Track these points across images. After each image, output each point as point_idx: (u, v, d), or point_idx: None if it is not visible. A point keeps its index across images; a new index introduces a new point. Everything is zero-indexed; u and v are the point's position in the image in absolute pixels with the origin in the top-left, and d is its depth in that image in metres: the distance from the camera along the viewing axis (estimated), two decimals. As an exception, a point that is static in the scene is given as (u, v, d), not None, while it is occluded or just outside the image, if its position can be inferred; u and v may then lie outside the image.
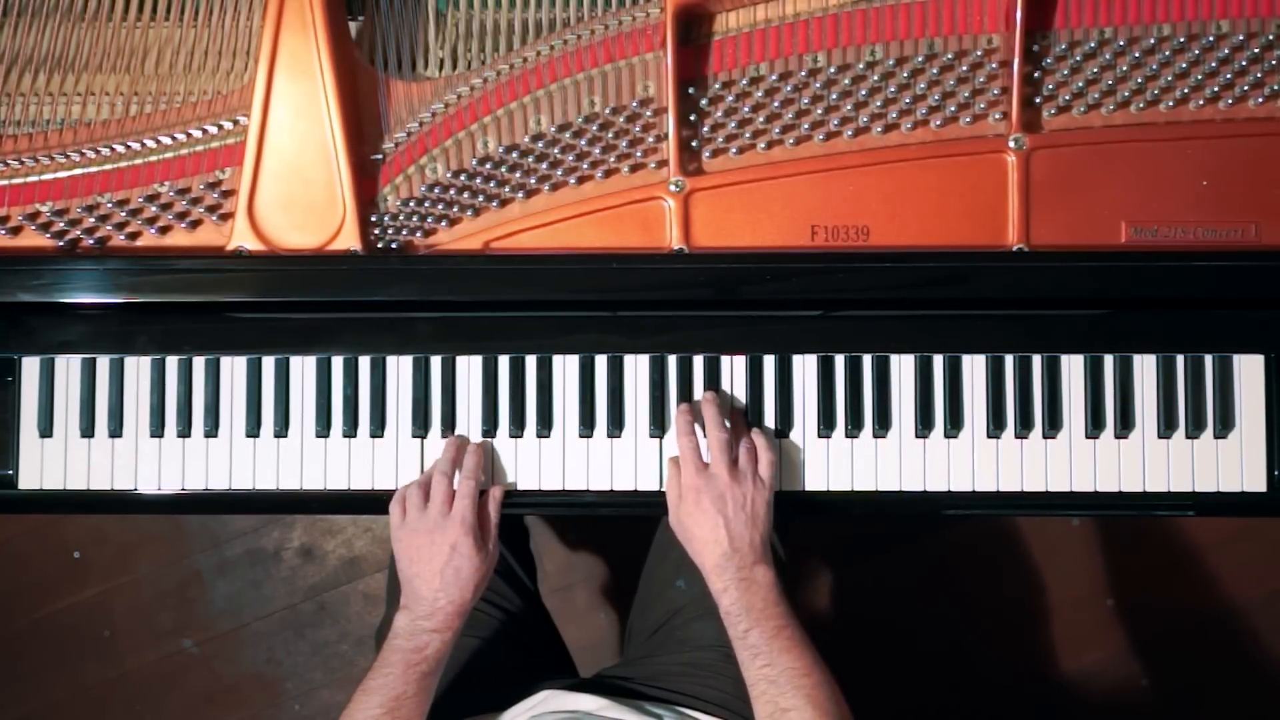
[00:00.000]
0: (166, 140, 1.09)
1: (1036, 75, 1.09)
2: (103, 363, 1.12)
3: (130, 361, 1.12)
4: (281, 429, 1.11)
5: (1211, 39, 1.08)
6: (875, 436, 1.11)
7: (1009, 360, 1.11)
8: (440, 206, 1.09)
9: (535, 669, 1.22)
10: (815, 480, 1.11)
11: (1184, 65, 1.09)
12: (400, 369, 1.12)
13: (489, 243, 1.09)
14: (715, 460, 1.05)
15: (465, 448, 1.09)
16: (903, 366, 1.11)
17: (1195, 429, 1.10)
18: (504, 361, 1.12)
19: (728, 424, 1.07)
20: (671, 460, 1.09)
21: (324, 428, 1.11)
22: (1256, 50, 1.08)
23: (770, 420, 1.11)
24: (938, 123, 1.09)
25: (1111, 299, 1.09)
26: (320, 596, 1.95)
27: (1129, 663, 1.93)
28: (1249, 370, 1.11)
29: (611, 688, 1.15)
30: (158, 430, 1.11)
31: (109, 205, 1.09)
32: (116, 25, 1.12)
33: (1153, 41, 1.08)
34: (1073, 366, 1.11)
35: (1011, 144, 1.08)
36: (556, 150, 1.09)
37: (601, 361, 1.11)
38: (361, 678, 1.02)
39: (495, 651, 1.21)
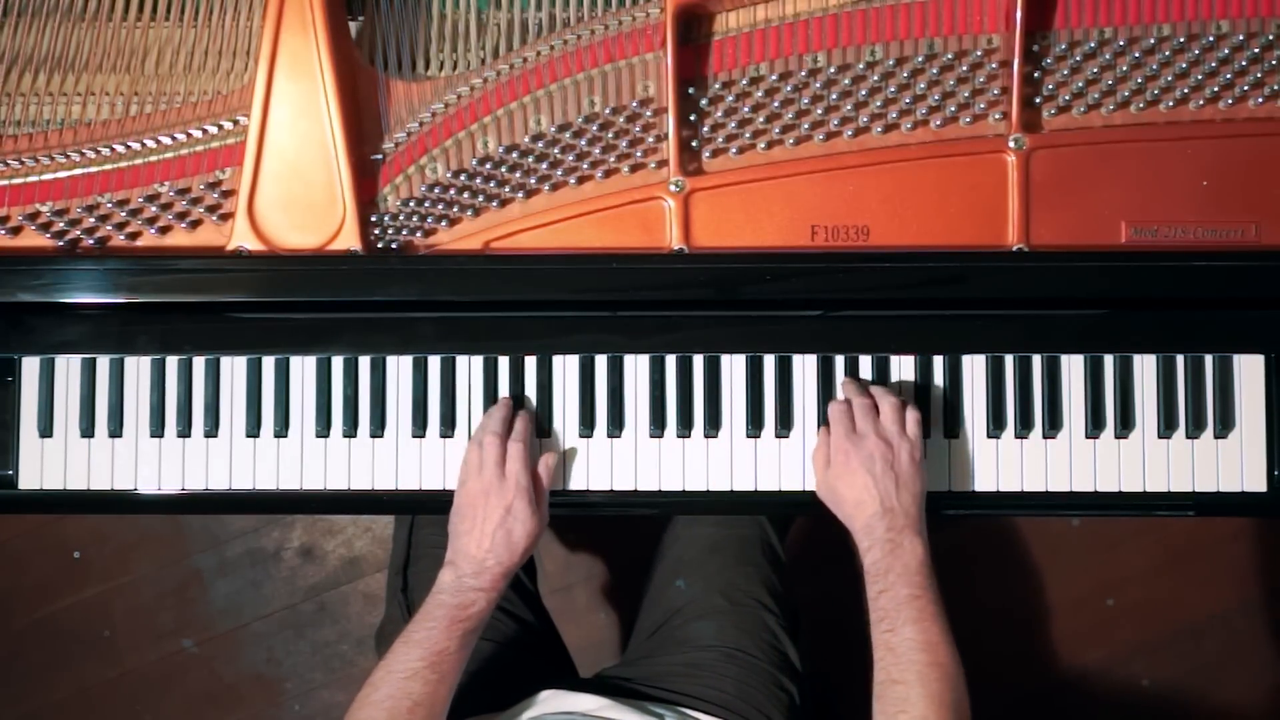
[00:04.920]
0: (166, 140, 1.09)
1: (1036, 75, 1.09)
2: (103, 363, 1.12)
3: (130, 361, 1.12)
4: (281, 429, 1.11)
5: (1211, 39, 1.08)
6: (875, 436, 1.11)
7: (1009, 360, 1.11)
8: (440, 206, 1.09)
9: (535, 669, 1.22)
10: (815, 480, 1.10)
11: (1184, 65, 1.09)
12: (400, 369, 1.12)
13: (489, 243, 1.09)
14: (861, 424, 1.05)
15: (511, 409, 1.10)
16: (903, 366, 1.11)
17: (1195, 429, 1.10)
18: (504, 362, 1.12)
19: (872, 391, 1.08)
20: (822, 429, 1.09)
21: (324, 428, 1.11)
22: (1256, 50, 1.08)
23: (769, 420, 1.11)
24: (938, 123, 1.09)
25: (1111, 299, 1.09)
26: (320, 596, 1.95)
27: (1129, 663, 1.93)
28: (1249, 370, 1.11)
29: (611, 688, 1.15)
30: (158, 430, 1.11)
31: (109, 205, 1.09)
32: (116, 25, 1.12)
33: (1153, 41, 1.08)
34: (1073, 366, 1.11)
35: (1011, 144, 1.08)
36: (556, 150, 1.09)
37: (601, 361, 1.11)
38: (362, 677, 1.02)
39: (495, 652, 1.21)
